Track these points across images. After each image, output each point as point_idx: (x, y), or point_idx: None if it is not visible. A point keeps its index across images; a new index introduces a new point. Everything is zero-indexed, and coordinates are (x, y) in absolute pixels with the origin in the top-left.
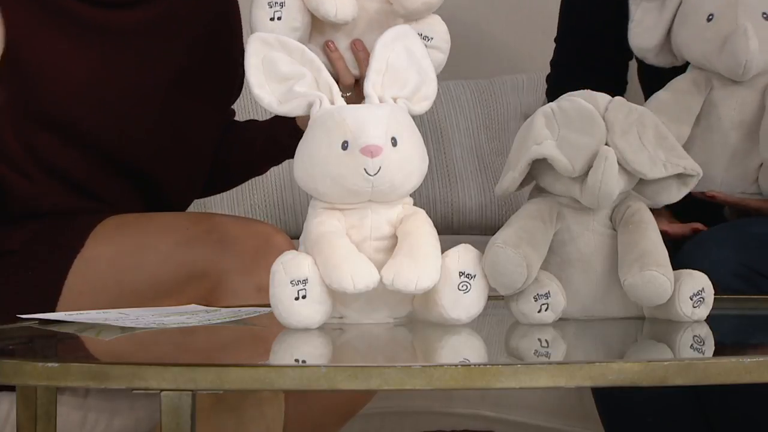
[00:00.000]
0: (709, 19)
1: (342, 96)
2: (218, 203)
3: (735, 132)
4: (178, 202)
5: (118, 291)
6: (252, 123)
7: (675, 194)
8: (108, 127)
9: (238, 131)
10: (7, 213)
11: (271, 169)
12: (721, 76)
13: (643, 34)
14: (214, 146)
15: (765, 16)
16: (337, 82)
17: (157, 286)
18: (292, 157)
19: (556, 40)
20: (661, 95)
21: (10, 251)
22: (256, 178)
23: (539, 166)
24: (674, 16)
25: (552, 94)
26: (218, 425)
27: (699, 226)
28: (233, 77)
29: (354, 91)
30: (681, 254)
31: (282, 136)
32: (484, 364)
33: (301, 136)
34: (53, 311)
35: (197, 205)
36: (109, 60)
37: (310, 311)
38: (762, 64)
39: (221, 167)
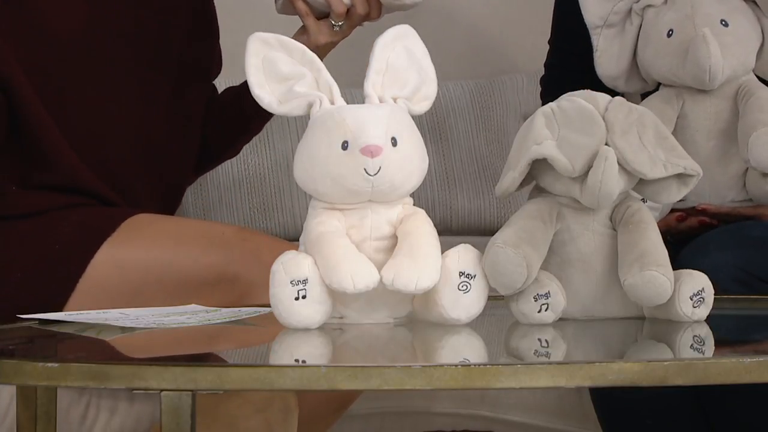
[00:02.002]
0: (669, 35)
1: (334, 26)
2: (216, 206)
3: (713, 141)
4: (178, 182)
5: (143, 280)
6: (229, 90)
7: (675, 194)
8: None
9: (219, 99)
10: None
11: (270, 172)
12: (691, 88)
13: (610, 62)
14: (201, 119)
15: (723, 23)
16: (328, 14)
17: (184, 282)
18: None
19: (549, 42)
20: None
21: (38, 212)
22: (255, 181)
23: (539, 166)
24: (636, 39)
25: (546, 96)
26: (247, 428)
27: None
28: (214, 45)
29: (346, 22)
30: (681, 257)
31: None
32: (484, 364)
33: None
34: (73, 289)
35: (197, 210)
36: (102, 12)
37: (310, 311)
38: (728, 71)
39: (213, 138)
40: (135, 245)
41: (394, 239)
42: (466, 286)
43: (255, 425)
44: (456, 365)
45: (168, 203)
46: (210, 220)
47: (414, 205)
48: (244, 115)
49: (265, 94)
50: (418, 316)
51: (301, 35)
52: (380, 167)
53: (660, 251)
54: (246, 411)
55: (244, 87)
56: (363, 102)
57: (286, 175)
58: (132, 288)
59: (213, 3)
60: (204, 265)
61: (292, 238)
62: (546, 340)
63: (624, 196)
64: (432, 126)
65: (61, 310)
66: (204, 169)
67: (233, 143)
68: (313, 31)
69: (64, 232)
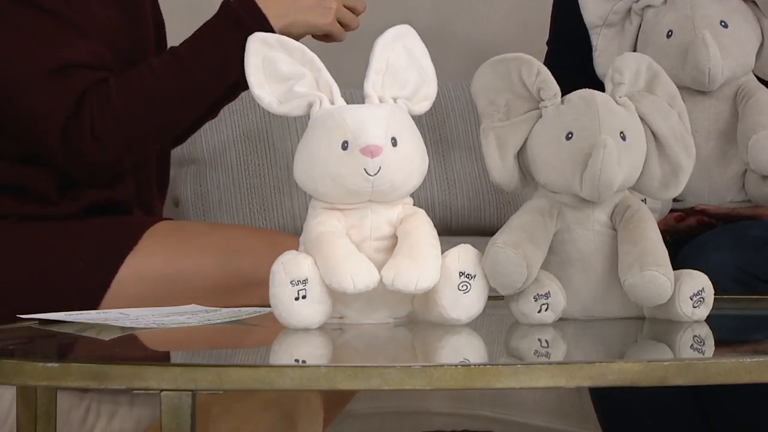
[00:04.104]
0: (668, 35)
1: None
2: (216, 207)
3: (712, 142)
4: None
5: (168, 290)
6: None
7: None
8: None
9: None
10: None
11: (269, 172)
12: (690, 89)
13: (609, 61)
14: None
15: (723, 24)
16: None
17: (212, 290)
18: (244, 89)
19: (547, 43)
20: None
21: (71, 215)
22: (255, 181)
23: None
24: (636, 38)
25: None
26: (270, 429)
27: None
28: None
29: None
30: (680, 257)
31: None
32: (484, 364)
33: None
34: (98, 305)
35: (197, 210)
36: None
37: (310, 311)
38: (727, 72)
39: None
40: (159, 257)
41: (394, 239)
42: (466, 286)
43: (279, 428)
44: (456, 365)
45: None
46: (229, 224)
47: (414, 205)
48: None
49: (265, 94)
50: (418, 316)
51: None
52: (380, 167)
53: (660, 251)
54: (270, 413)
55: None
56: (363, 102)
57: (286, 175)
58: (156, 299)
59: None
60: (231, 271)
61: None
62: (546, 340)
63: (624, 195)
64: (432, 126)
65: None
66: (183, 136)
67: (212, 111)
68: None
69: (87, 248)
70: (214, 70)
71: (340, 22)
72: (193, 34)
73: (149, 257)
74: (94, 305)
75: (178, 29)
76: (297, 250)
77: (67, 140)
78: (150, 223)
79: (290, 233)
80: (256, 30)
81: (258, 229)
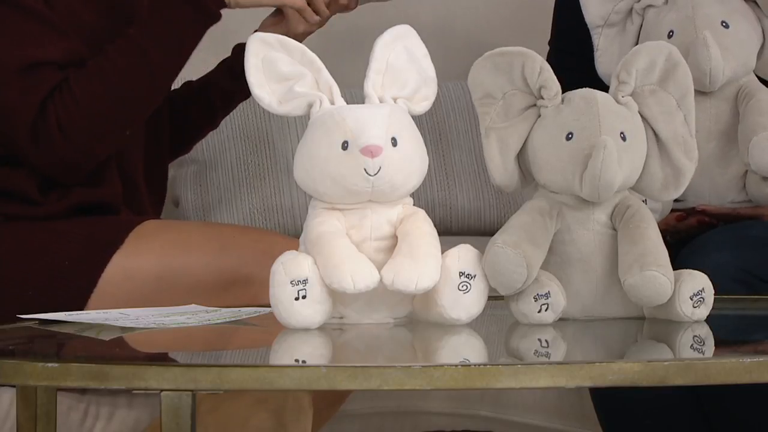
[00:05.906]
0: (670, 36)
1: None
2: (216, 207)
3: (713, 143)
4: (156, 170)
5: (155, 288)
6: (188, 84)
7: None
8: None
9: (180, 94)
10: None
11: (269, 172)
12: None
13: (611, 61)
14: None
15: (724, 24)
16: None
17: (196, 287)
18: (242, 99)
19: (549, 43)
20: None
21: (56, 215)
22: (255, 181)
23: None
24: (637, 38)
25: None
26: (258, 427)
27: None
28: None
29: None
30: (681, 257)
31: (223, 82)
32: (484, 364)
33: (240, 75)
34: (85, 304)
35: (197, 210)
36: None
37: (310, 311)
38: (728, 72)
39: (176, 130)
40: (145, 255)
41: (394, 239)
42: (466, 286)
43: (268, 426)
44: (456, 365)
45: (158, 187)
46: (216, 222)
47: (414, 205)
48: (220, 101)
49: (265, 94)
50: (418, 316)
51: (278, 24)
52: (380, 167)
53: (660, 251)
54: (258, 411)
55: (206, 77)
56: (363, 102)
57: (286, 175)
58: (144, 297)
59: None
60: (216, 269)
61: None
62: (546, 340)
63: (624, 195)
64: (432, 126)
65: None
66: (184, 147)
67: (211, 122)
68: (293, 19)
69: (73, 247)
70: (168, 46)
71: (309, 5)
72: (145, 14)
73: (136, 256)
74: (81, 305)
75: None
76: (282, 245)
77: (36, 137)
78: (136, 222)
79: (277, 231)
80: (207, 1)
81: (244, 227)
